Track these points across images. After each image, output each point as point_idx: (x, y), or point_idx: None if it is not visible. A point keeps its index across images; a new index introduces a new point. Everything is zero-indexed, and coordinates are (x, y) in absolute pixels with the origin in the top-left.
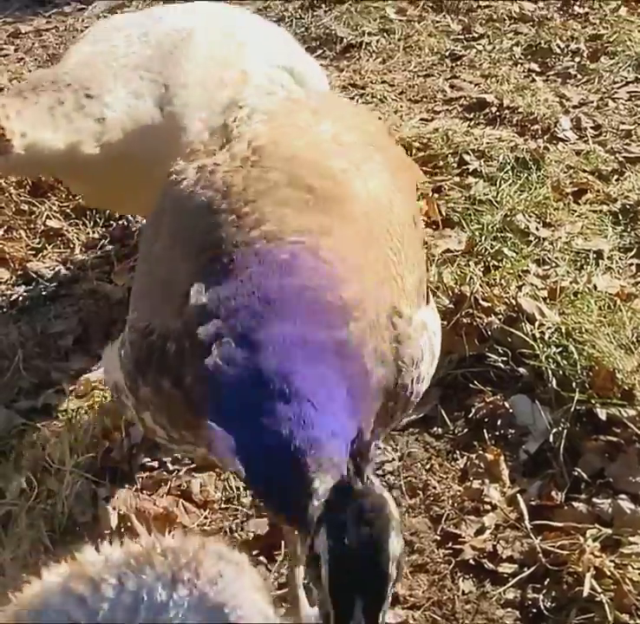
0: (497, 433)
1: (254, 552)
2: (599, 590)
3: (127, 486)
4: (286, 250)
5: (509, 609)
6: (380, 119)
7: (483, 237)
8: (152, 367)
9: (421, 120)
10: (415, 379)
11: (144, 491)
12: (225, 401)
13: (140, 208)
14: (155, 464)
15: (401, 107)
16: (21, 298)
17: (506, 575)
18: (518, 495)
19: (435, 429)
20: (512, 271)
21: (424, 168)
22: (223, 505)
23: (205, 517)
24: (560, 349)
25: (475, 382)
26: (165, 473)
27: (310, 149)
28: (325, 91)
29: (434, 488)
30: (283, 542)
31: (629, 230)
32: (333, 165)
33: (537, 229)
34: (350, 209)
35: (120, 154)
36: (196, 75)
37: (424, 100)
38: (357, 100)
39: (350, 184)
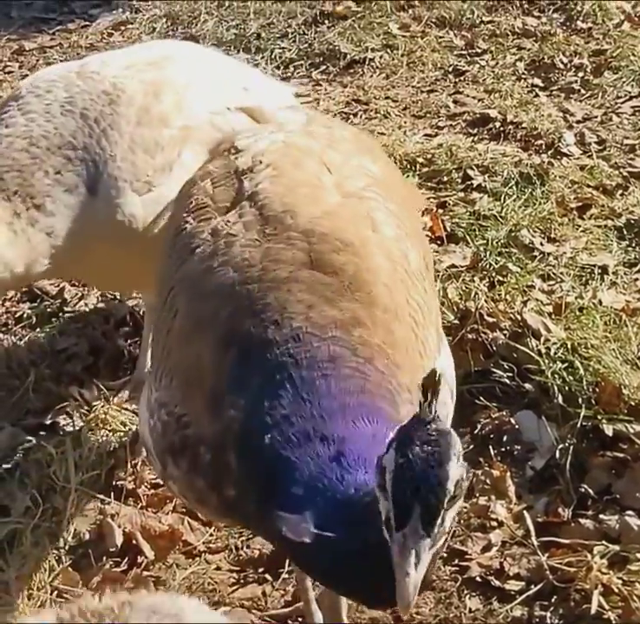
0: (503, 449)
1: (260, 570)
2: (607, 607)
3: (132, 504)
4: (324, 351)
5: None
6: (384, 134)
7: (488, 253)
8: (185, 461)
9: (425, 135)
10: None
11: (149, 509)
12: (296, 490)
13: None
14: (160, 481)
15: (405, 122)
16: (26, 315)
17: (513, 593)
18: (524, 511)
19: None
20: (517, 287)
21: (428, 183)
22: None
23: (211, 535)
24: (566, 365)
25: (481, 398)
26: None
27: (325, 217)
28: (317, 119)
29: None
30: (288, 560)
31: (634, 244)
32: (351, 233)
33: (541, 244)
34: (375, 288)
35: (73, 258)
36: (124, 145)
37: (428, 115)
38: (361, 116)
39: (370, 254)
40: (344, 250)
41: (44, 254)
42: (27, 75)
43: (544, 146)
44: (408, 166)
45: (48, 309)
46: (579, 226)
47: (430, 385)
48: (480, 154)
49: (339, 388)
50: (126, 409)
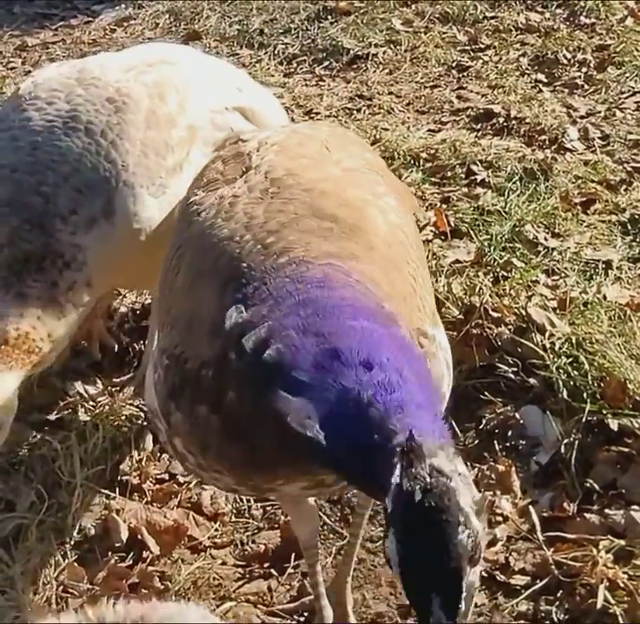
0: (508, 444)
1: (265, 565)
2: (612, 602)
3: (137, 499)
4: (318, 270)
5: (522, 622)
6: (387, 130)
7: (492, 248)
8: (186, 395)
9: (429, 131)
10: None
11: (154, 504)
12: (296, 380)
13: None
14: (166, 476)
15: (409, 118)
16: None
17: (518, 587)
18: (529, 506)
19: None
20: (521, 282)
21: (432, 179)
22: (234, 518)
23: (216, 530)
24: (571, 360)
25: (486, 393)
26: (175, 485)
27: (327, 181)
28: (321, 122)
29: None
30: (294, 555)
31: (638, 239)
32: (352, 195)
33: (546, 239)
34: (373, 237)
35: (105, 280)
36: (136, 152)
37: (431, 111)
38: (364, 112)
39: (370, 212)
40: (345, 206)
41: (86, 302)
42: (30, 72)
43: (547, 142)
44: (412, 162)
45: None
46: (583, 221)
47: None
48: (483, 149)
49: (330, 294)
50: (130, 404)
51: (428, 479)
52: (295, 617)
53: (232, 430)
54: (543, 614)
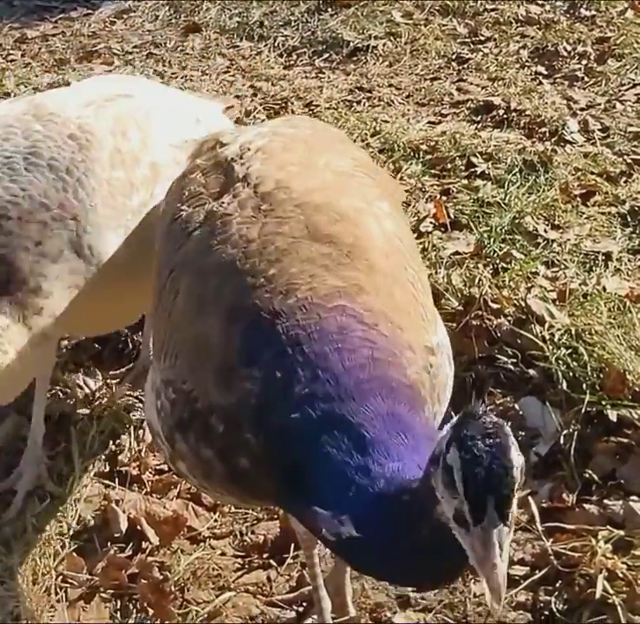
0: None
1: (264, 555)
2: (611, 592)
3: (136, 490)
4: (332, 323)
5: (521, 612)
6: (387, 122)
7: (492, 240)
8: (193, 432)
9: (429, 123)
10: (447, 400)
11: (154, 495)
12: (322, 477)
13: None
14: (165, 467)
15: (408, 110)
16: None
17: (517, 578)
18: (529, 497)
19: None
20: (521, 273)
21: (432, 171)
22: (233, 509)
23: (215, 521)
24: (570, 351)
25: (485, 384)
26: (174, 476)
27: (319, 191)
28: (300, 117)
29: None
30: (293, 546)
31: (638, 231)
32: (345, 205)
33: (545, 231)
34: (372, 255)
35: (79, 317)
36: (103, 192)
37: (431, 103)
38: (364, 104)
39: (365, 223)
40: (340, 221)
41: (54, 335)
42: (29, 63)
43: (547, 134)
44: (412, 154)
45: None
46: (583, 213)
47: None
48: (483, 142)
49: (350, 362)
50: (130, 396)
51: (488, 412)
52: (294, 607)
53: (239, 480)
54: (542, 604)
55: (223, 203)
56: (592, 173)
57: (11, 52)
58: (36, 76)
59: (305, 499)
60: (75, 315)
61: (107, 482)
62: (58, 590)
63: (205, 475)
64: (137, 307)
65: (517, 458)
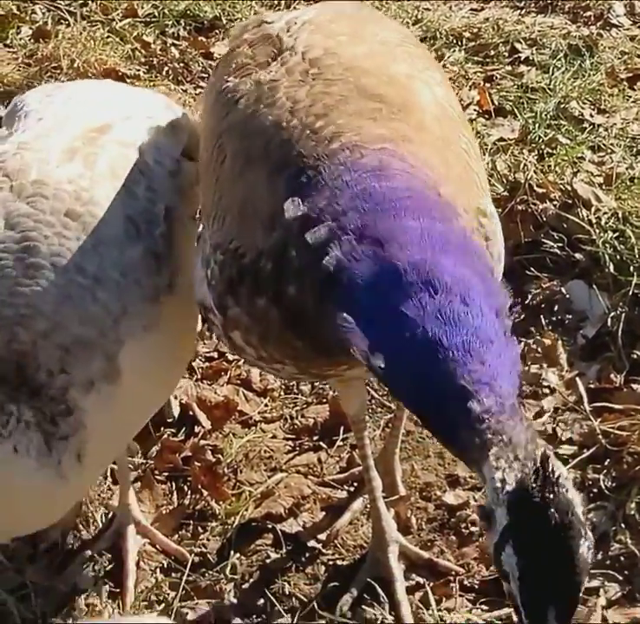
0: (554, 319)
1: (314, 438)
2: None
3: (187, 376)
4: (374, 158)
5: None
6: (429, 9)
7: (536, 125)
8: (244, 288)
9: (471, 10)
10: (500, 273)
11: (204, 381)
12: (358, 297)
13: None
14: (215, 354)
15: None
16: None
17: (566, 457)
18: (576, 378)
19: None
20: (566, 158)
21: (475, 58)
22: (283, 393)
23: (266, 405)
24: (617, 234)
25: (531, 269)
26: (225, 363)
27: (367, 57)
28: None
29: None
30: (342, 428)
31: None
32: (396, 70)
33: (591, 116)
34: (422, 114)
35: None
36: (128, 283)
37: None
38: None
39: (416, 88)
40: (390, 84)
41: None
42: None
43: (593, 18)
44: (454, 41)
45: None
46: (630, 97)
47: (544, 455)
48: (527, 27)
49: (388, 184)
50: None
51: (553, 494)
52: (345, 487)
53: (294, 322)
54: (591, 482)
55: (271, 71)
56: (639, 57)
57: None
58: None
59: (336, 301)
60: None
61: None
62: (114, 474)
63: (262, 335)
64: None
65: (586, 557)
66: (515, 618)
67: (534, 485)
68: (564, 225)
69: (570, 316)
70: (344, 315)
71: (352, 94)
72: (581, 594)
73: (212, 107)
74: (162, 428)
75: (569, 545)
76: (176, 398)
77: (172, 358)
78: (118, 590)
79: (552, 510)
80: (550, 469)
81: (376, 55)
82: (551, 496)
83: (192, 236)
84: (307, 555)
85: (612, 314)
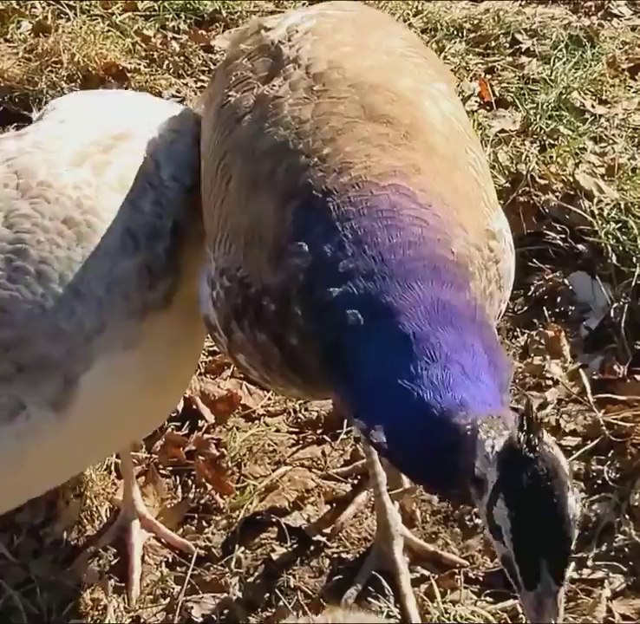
0: (557, 310)
1: (318, 431)
2: None
3: None
4: (384, 200)
5: (574, 481)
6: (429, 0)
7: (538, 116)
8: (248, 318)
9: (471, 1)
10: (510, 286)
11: (208, 375)
12: (357, 367)
13: None
14: (218, 349)
15: None
16: None
17: (569, 448)
18: (580, 370)
19: None
20: (568, 149)
21: (476, 49)
22: None
23: (269, 399)
24: (620, 225)
25: (534, 260)
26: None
27: (374, 70)
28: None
29: None
30: (345, 421)
31: None
32: (402, 85)
33: (593, 106)
34: (431, 136)
35: None
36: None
37: None
38: None
39: (424, 104)
40: (397, 101)
41: None
42: None
43: (593, 8)
44: (455, 33)
45: None
46: (631, 87)
47: (530, 414)
48: (528, 18)
49: (398, 239)
50: None
51: (539, 448)
52: (349, 480)
53: (295, 366)
54: (594, 473)
55: (273, 86)
56: None
57: None
58: None
59: (343, 386)
60: None
61: None
62: (118, 468)
63: (264, 364)
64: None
65: (574, 509)
66: (510, 579)
67: (522, 440)
68: (567, 217)
69: (573, 308)
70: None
71: (359, 115)
72: (573, 549)
73: (213, 123)
74: (166, 422)
75: (558, 496)
76: None
77: (154, 382)
78: (123, 585)
79: (540, 462)
80: (535, 421)
81: (382, 69)
82: (539, 449)
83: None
84: (312, 548)
85: (615, 305)
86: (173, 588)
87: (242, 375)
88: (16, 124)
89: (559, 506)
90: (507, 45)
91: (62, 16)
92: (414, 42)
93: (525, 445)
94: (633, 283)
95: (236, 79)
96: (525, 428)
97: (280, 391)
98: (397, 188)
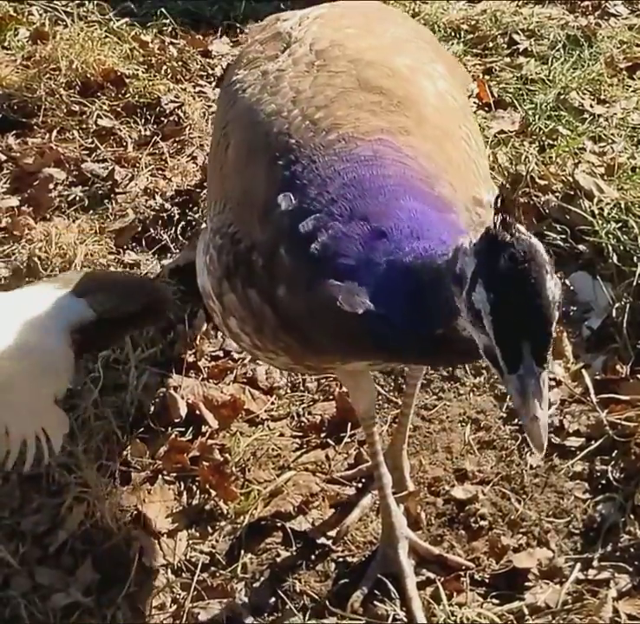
0: None
1: (322, 435)
2: None
3: (193, 376)
4: (368, 148)
5: (578, 481)
6: (426, 2)
7: (537, 117)
8: (239, 276)
9: (468, 1)
10: None
11: (211, 380)
12: (344, 261)
13: None
14: (220, 353)
15: None
16: (78, 198)
17: (573, 449)
18: (582, 370)
19: None
20: (567, 149)
21: (473, 50)
22: (289, 391)
23: (272, 403)
24: (620, 224)
25: None
26: (230, 362)
27: (373, 49)
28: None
29: None
30: (349, 425)
31: None
32: (399, 63)
33: (591, 106)
34: (423, 107)
35: None
36: None
37: None
38: None
39: (418, 81)
40: (392, 76)
41: None
42: None
43: (590, 8)
44: (453, 34)
45: (100, 192)
46: (629, 86)
47: (507, 203)
48: (525, 18)
49: (379, 173)
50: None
51: (515, 232)
52: (353, 483)
53: (285, 320)
54: (599, 474)
55: (279, 61)
56: (638, 46)
57: None
58: None
59: (323, 278)
60: None
61: (163, 371)
62: (122, 474)
63: (257, 329)
64: None
65: (554, 291)
66: (493, 369)
67: (497, 223)
68: (567, 217)
69: (574, 308)
70: (329, 280)
71: (354, 86)
72: (553, 330)
73: (221, 98)
74: (169, 428)
75: (536, 277)
76: (183, 398)
77: None
78: (129, 592)
79: (517, 245)
80: (509, 203)
81: (381, 48)
82: (514, 232)
83: None
84: (317, 552)
85: (617, 304)
86: (180, 595)
87: (245, 380)
88: (15, 131)
89: (538, 287)
90: (505, 46)
91: (60, 22)
92: (425, 35)
93: (500, 227)
94: (634, 283)
95: (246, 61)
96: (500, 211)
97: (270, 360)
98: (382, 142)
